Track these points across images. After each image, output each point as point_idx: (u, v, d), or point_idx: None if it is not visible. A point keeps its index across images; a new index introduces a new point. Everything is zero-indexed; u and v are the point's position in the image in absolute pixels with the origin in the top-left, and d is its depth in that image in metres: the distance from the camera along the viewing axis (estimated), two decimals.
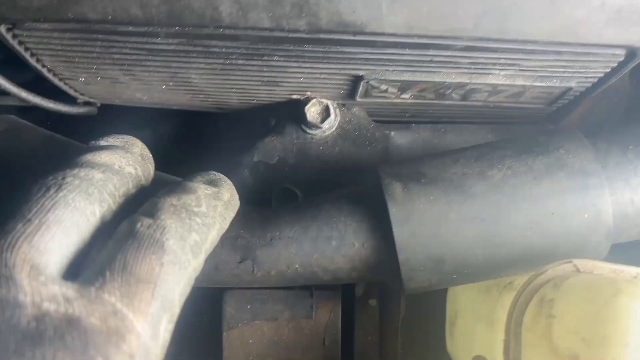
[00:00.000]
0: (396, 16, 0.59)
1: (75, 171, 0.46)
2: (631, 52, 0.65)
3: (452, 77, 0.72)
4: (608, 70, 0.70)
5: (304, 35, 0.62)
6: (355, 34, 0.61)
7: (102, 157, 0.49)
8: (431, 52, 0.65)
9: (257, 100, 0.83)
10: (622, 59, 0.67)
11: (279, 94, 0.79)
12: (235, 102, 0.84)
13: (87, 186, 0.45)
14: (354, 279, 0.67)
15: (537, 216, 0.59)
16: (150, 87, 0.79)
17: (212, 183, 0.55)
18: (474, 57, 0.66)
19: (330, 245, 0.64)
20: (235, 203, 0.57)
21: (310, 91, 0.79)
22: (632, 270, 0.59)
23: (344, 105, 0.83)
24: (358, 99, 0.79)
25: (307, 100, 0.80)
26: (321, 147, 0.81)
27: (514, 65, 0.68)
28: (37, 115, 0.92)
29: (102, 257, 0.43)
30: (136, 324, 0.40)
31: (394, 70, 0.70)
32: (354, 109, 0.83)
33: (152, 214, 0.46)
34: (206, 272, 0.64)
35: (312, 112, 0.80)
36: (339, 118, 0.82)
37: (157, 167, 0.58)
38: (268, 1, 0.58)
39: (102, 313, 0.39)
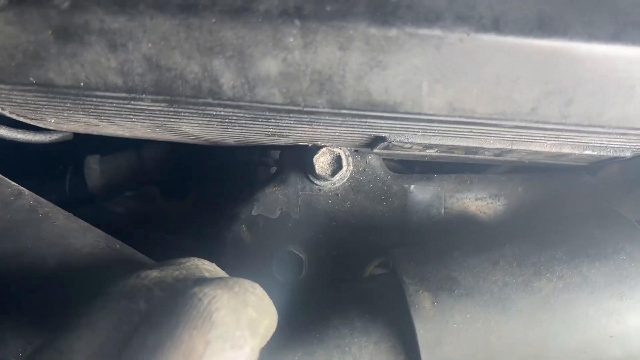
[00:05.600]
0: (438, 97, 0.48)
1: None
2: None
3: (490, 142, 0.61)
4: None
5: (322, 110, 0.51)
6: (385, 112, 0.50)
7: None
8: (473, 127, 0.54)
9: (257, 143, 0.71)
10: None
11: (284, 142, 0.68)
12: (232, 143, 0.73)
13: None
14: None
15: (593, 340, 0.51)
16: (133, 129, 0.67)
17: None
18: (522, 132, 0.55)
19: None
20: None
21: (321, 141, 0.68)
22: None
23: (357, 151, 0.72)
24: (376, 150, 0.68)
25: (316, 149, 0.69)
26: (330, 201, 0.71)
27: (566, 138, 0.58)
28: None
29: (133, 343, 0.35)
30: None
31: (423, 135, 0.60)
32: (369, 157, 0.72)
33: (198, 283, 0.38)
34: None
35: (321, 162, 0.69)
36: (351, 167, 0.71)
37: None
38: (282, 76, 0.47)
39: None
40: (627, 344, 0.51)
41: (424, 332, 0.50)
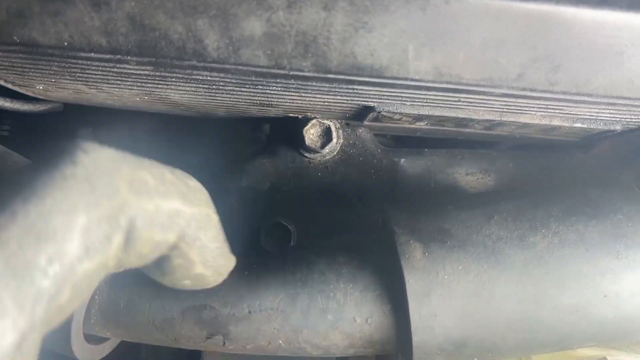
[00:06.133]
0: (424, 61, 0.48)
1: None
2: None
3: (479, 114, 0.61)
4: None
5: (308, 75, 0.50)
6: (371, 77, 0.50)
7: None
8: (461, 95, 0.54)
9: (247, 114, 0.71)
10: None
11: (274, 112, 0.68)
12: (222, 114, 0.72)
13: None
14: (349, 354, 0.58)
15: (586, 299, 0.49)
16: (121, 98, 0.67)
17: None
18: (510, 101, 0.55)
19: (325, 319, 0.53)
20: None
21: (310, 112, 0.68)
22: None
23: (348, 124, 0.72)
24: (366, 123, 0.68)
25: (305, 120, 0.68)
26: (320, 174, 0.71)
27: (555, 109, 0.58)
28: None
29: None
30: None
31: (412, 105, 0.59)
32: (360, 130, 0.72)
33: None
34: (164, 339, 0.55)
35: (311, 134, 0.69)
36: (341, 140, 0.71)
37: None
38: (266, 37, 0.46)
39: None
40: (620, 306, 0.50)
41: (413, 282, 0.49)
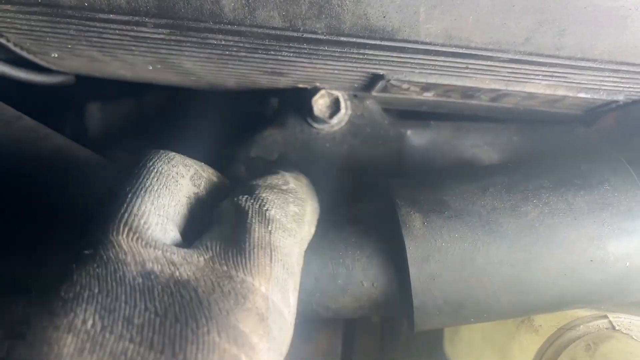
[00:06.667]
0: (435, 24, 0.49)
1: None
2: None
3: (485, 82, 0.62)
4: None
5: (321, 37, 0.52)
6: (382, 39, 0.51)
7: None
8: (469, 61, 0.55)
9: (257, 86, 0.72)
10: None
11: (283, 82, 0.69)
12: (232, 85, 0.74)
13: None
14: (358, 315, 0.60)
15: (574, 263, 0.52)
16: (134, 66, 0.68)
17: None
18: (516, 68, 0.57)
19: (336, 284, 0.56)
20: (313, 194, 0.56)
21: (319, 82, 0.69)
22: None
23: (355, 96, 0.73)
24: (374, 93, 0.69)
25: (314, 91, 0.70)
26: (328, 145, 0.72)
27: (560, 77, 0.59)
28: None
29: (210, 234, 0.42)
30: (259, 286, 0.39)
31: (420, 72, 0.61)
32: (368, 102, 0.73)
33: (248, 192, 0.46)
34: None
35: (319, 104, 0.70)
36: (349, 112, 0.72)
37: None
38: None
39: (214, 278, 0.38)
40: (606, 269, 0.52)
41: (413, 249, 0.52)
